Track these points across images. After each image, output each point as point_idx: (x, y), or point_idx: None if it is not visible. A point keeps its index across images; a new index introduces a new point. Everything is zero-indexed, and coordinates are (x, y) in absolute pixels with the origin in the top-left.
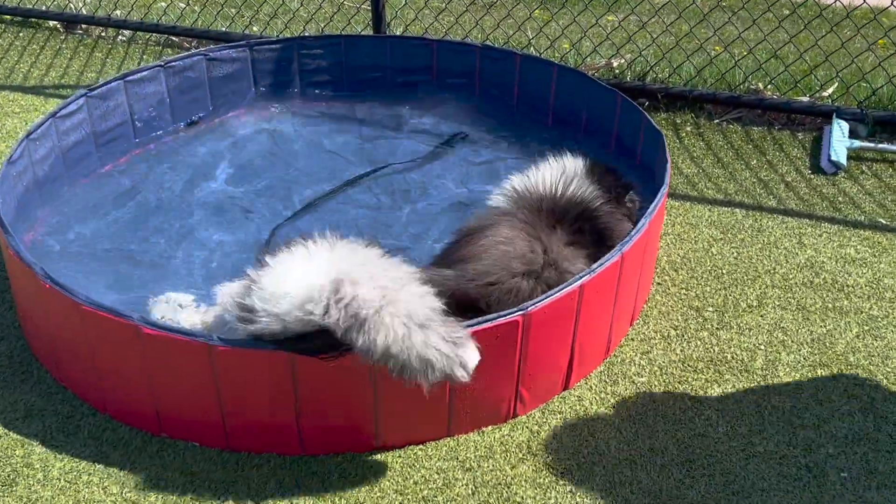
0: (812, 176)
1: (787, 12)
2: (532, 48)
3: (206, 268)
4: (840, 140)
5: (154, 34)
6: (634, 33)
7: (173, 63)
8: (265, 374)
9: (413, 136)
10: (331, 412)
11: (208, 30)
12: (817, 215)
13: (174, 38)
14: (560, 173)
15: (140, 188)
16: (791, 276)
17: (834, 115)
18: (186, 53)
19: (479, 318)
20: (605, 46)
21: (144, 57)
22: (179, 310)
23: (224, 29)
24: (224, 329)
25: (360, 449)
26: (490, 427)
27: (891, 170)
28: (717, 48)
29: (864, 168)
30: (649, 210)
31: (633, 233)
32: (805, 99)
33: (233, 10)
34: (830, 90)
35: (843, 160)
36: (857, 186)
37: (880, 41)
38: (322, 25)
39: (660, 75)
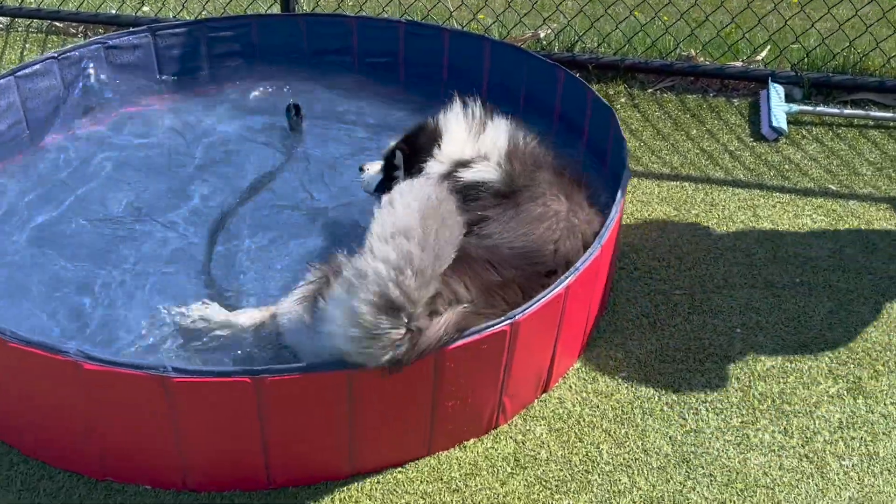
0: (754, 143)
1: None
2: (454, 21)
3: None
4: (778, 105)
5: (35, 20)
6: (561, 2)
7: (69, 54)
8: (228, 403)
9: (333, 124)
10: (301, 438)
11: (97, 13)
12: (767, 185)
13: (58, 24)
14: (504, 128)
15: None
16: (753, 252)
17: (769, 80)
18: (82, 42)
19: (466, 333)
20: (531, 17)
21: (28, 47)
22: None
23: (114, 12)
24: (303, 329)
25: (333, 476)
26: (472, 440)
27: (831, 133)
28: (637, 13)
29: (804, 133)
30: (615, 209)
31: (605, 226)
32: (738, 64)
33: None
34: (763, 54)
35: (784, 126)
36: (801, 152)
37: None
38: (224, 4)
39: (588, 45)
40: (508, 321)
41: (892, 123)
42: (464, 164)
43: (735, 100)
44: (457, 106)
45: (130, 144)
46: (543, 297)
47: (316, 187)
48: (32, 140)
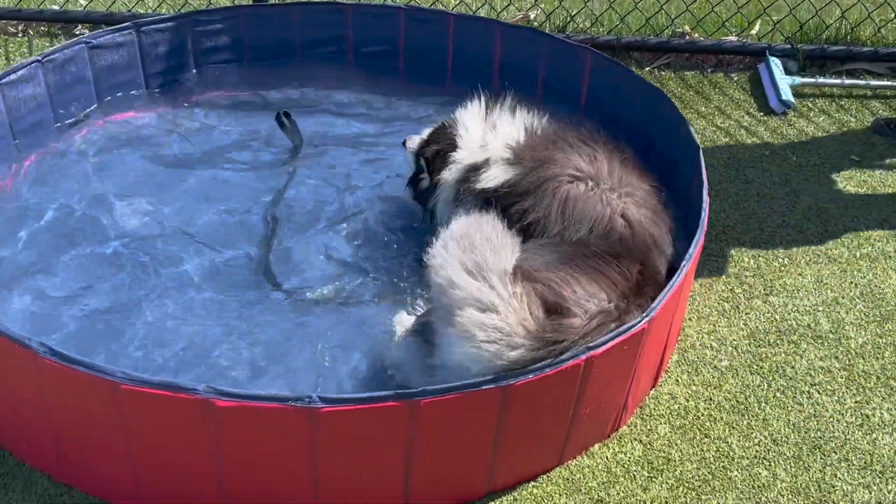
0: (766, 118)
1: None
2: (440, 4)
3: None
4: (782, 78)
5: None
6: None
7: (52, 56)
8: (376, 430)
9: (335, 117)
10: (446, 459)
11: (41, 10)
12: (792, 159)
13: None
14: (514, 120)
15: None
16: (805, 228)
17: (767, 53)
18: (66, 43)
19: (611, 335)
20: None
21: None
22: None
23: (58, 7)
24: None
25: (470, 497)
26: (597, 446)
27: (834, 105)
28: None
29: (809, 105)
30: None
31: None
32: (734, 38)
33: None
34: (757, 27)
35: (792, 98)
36: (813, 125)
37: None
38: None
39: (581, 25)
40: (647, 318)
41: (889, 92)
42: (477, 168)
43: (734, 74)
44: (470, 103)
45: (128, 154)
46: (669, 288)
47: (330, 188)
48: (20, 153)
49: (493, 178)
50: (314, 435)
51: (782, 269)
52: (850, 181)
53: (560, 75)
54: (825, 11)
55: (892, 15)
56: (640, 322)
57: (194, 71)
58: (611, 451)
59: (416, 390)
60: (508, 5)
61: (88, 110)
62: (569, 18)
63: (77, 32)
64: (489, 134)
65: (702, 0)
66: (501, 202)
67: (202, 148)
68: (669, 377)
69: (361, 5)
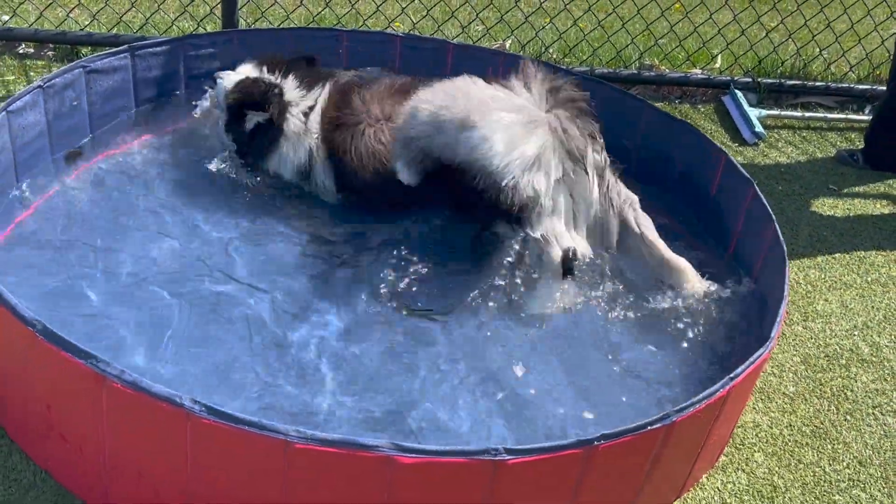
0: (740, 148)
1: None
2: (416, 32)
3: None
4: (750, 110)
5: None
6: (530, 14)
7: (53, 81)
8: (550, 480)
9: None
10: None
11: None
12: (777, 189)
13: None
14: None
15: None
16: (812, 255)
17: (731, 86)
18: (65, 67)
19: (686, 404)
20: (497, 29)
21: None
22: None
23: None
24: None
25: None
26: (704, 477)
27: (797, 137)
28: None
29: (775, 136)
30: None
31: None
32: (698, 72)
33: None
34: (719, 61)
35: (763, 130)
36: (784, 155)
37: (676, 6)
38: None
39: (555, 56)
40: (731, 381)
41: (842, 124)
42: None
43: (700, 106)
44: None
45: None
46: (753, 361)
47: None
48: (32, 192)
49: None
50: (492, 486)
51: (809, 295)
52: (836, 209)
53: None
54: (782, 47)
55: (842, 53)
56: (765, 350)
57: (182, 100)
58: (719, 481)
59: (594, 436)
60: (484, 36)
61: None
62: (543, 48)
63: (21, 51)
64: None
65: (669, 35)
66: None
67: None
68: (747, 405)
69: (358, 31)
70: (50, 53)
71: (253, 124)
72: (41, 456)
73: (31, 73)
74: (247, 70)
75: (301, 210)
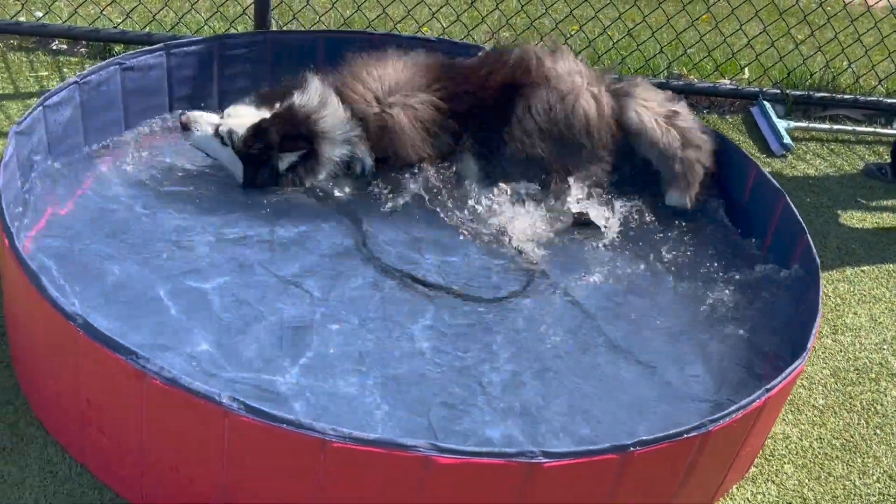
0: (768, 160)
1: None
2: (445, 37)
3: None
4: (779, 121)
5: None
6: (560, 21)
7: (89, 77)
8: (585, 485)
9: None
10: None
11: (18, 23)
12: (806, 202)
13: None
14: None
15: None
16: (841, 267)
17: (760, 97)
18: (101, 64)
19: (722, 413)
20: (527, 35)
21: None
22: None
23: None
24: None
25: None
26: (735, 488)
27: (825, 149)
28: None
29: (803, 148)
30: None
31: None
32: (727, 82)
33: None
34: (748, 73)
35: (791, 142)
36: (812, 168)
37: (704, 17)
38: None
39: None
40: (767, 393)
41: (870, 137)
42: None
43: (727, 116)
44: None
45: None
46: (787, 374)
47: None
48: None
49: None
50: (526, 489)
51: (838, 308)
52: (863, 222)
53: None
54: (811, 60)
55: (871, 66)
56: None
57: (215, 101)
58: (749, 492)
59: (630, 442)
60: (513, 42)
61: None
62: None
63: (54, 47)
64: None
65: (698, 45)
66: None
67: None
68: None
69: (389, 34)
70: (83, 50)
71: (288, 163)
72: (78, 449)
73: (65, 70)
74: (245, 112)
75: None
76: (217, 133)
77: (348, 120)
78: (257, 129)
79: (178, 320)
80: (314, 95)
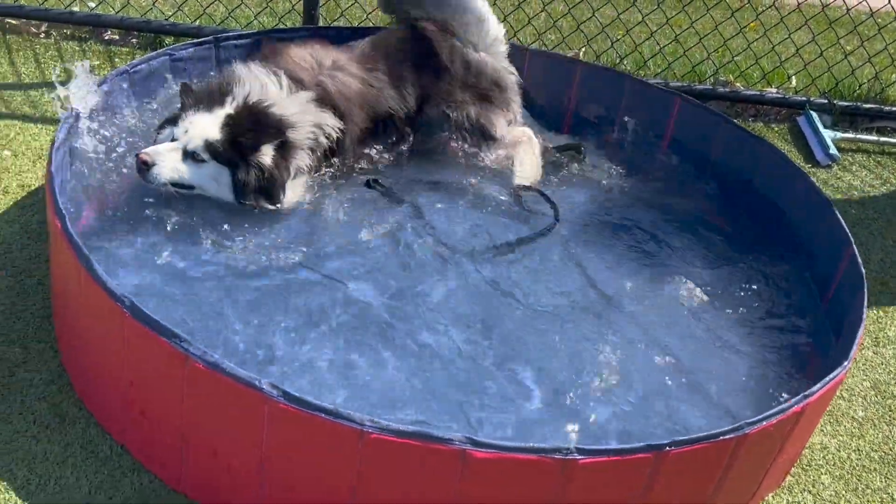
0: (813, 170)
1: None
2: None
3: None
4: (825, 131)
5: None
6: (607, 25)
7: (139, 67)
8: (619, 483)
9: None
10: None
11: (72, 12)
12: (851, 213)
13: (12, 22)
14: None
15: None
16: (885, 280)
17: (807, 107)
18: (151, 54)
19: (759, 417)
20: (573, 39)
21: None
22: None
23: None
24: None
25: None
26: (770, 496)
27: (872, 161)
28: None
29: (850, 159)
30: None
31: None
32: (774, 90)
33: None
34: (794, 82)
35: (837, 153)
36: (858, 179)
37: (752, 24)
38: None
39: (628, 67)
40: (804, 400)
41: None
42: None
43: (773, 125)
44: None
45: None
46: (828, 381)
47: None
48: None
49: None
50: (560, 485)
51: (880, 321)
52: None
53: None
54: (859, 70)
55: None
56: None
57: None
58: (784, 501)
59: (666, 441)
60: (559, 44)
61: None
62: (618, 59)
63: (106, 38)
64: None
65: (745, 53)
66: None
67: None
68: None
69: None
70: (134, 41)
71: (271, 158)
72: (118, 430)
73: (116, 60)
74: (201, 118)
75: None
76: (186, 153)
77: (297, 96)
78: (231, 120)
79: (216, 308)
80: (254, 85)
